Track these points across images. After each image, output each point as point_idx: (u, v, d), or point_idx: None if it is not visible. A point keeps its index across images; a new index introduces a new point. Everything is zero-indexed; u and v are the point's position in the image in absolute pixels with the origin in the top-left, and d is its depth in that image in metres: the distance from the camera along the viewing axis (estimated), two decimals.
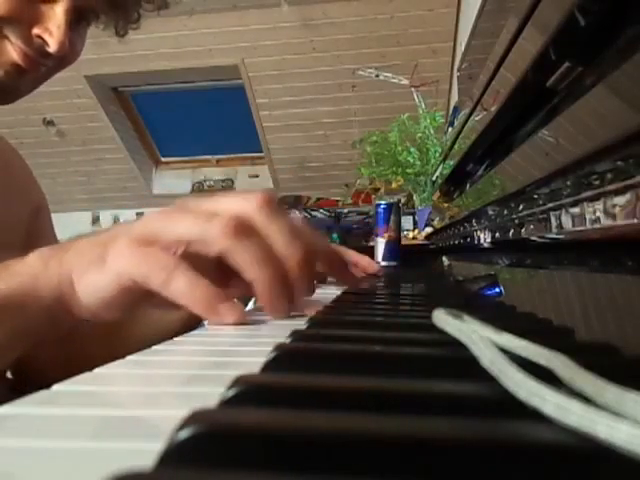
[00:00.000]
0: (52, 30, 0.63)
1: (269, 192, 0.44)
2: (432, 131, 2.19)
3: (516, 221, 0.51)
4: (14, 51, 0.63)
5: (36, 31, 0.63)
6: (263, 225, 0.41)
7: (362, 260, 0.83)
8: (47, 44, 0.63)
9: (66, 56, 0.66)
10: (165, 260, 0.39)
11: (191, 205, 0.43)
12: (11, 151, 0.78)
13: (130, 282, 0.39)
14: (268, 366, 0.20)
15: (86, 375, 0.23)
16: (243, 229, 0.40)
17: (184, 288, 0.38)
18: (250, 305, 0.53)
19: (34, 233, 0.76)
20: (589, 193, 0.32)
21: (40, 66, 0.65)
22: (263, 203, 0.41)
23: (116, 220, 4.73)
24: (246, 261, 0.40)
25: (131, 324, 0.67)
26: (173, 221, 0.41)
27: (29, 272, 0.41)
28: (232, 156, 4.47)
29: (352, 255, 0.81)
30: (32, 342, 0.44)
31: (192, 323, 0.54)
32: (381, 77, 2.95)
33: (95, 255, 0.41)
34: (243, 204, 0.41)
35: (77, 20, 0.66)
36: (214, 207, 0.41)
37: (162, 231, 0.40)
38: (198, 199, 0.43)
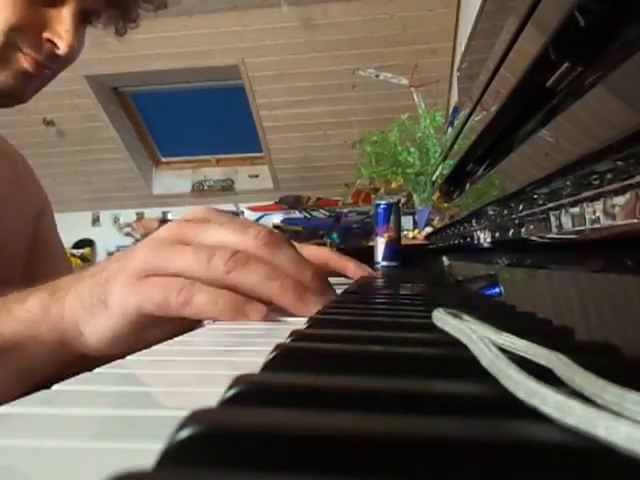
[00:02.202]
0: (61, 34, 0.64)
1: (266, 227, 0.44)
2: (432, 131, 2.19)
3: (516, 221, 0.51)
4: (24, 59, 0.64)
5: (46, 35, 0.64)
6: (265, 258, 0.41)
7: (349, 268, 0.73)
8: (57, 47, 0.64)
9: (70, 57, 0.67)
10: (179, 283, 0.39)
11: (180, 234, 0.42)
12: (15, 153, 0.80)
13: (135, 317, 0.40)
14: (268, 366, 0.20)
15: (86, 375, 0.23)
16: (245, 260, 0.40)
17: (208, 301, 0.39)
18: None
19: (39, 234, 0.78)
20: (589, 193, 0.32)
21: (46, 70, 0.66)
22: (260, 237, 0.41)
23: (116, 220, 4.73)
24: (257, 282, 0.40)
25: None
26: (171, 255, 0.40)
27: (31, 319, 0.43)
28: (232, 156, 4.47)
29: (336, 262, 0.71)
30: (33, 382, 0.45)
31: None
32: (381, 77, 2.95)
33: (95, 298, 0.42)
34: (241, 238, 0.41)
35: (82, 21, 0.67)
36: (210, 239, 0.41)
37: (161, 265, 0.40)
38: (183, 223, 0.43)
